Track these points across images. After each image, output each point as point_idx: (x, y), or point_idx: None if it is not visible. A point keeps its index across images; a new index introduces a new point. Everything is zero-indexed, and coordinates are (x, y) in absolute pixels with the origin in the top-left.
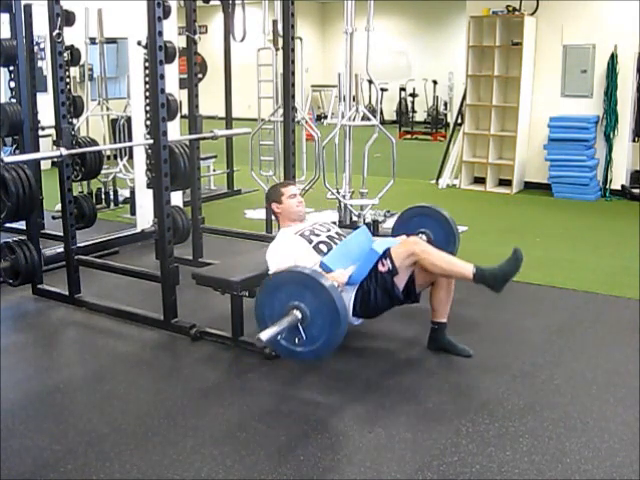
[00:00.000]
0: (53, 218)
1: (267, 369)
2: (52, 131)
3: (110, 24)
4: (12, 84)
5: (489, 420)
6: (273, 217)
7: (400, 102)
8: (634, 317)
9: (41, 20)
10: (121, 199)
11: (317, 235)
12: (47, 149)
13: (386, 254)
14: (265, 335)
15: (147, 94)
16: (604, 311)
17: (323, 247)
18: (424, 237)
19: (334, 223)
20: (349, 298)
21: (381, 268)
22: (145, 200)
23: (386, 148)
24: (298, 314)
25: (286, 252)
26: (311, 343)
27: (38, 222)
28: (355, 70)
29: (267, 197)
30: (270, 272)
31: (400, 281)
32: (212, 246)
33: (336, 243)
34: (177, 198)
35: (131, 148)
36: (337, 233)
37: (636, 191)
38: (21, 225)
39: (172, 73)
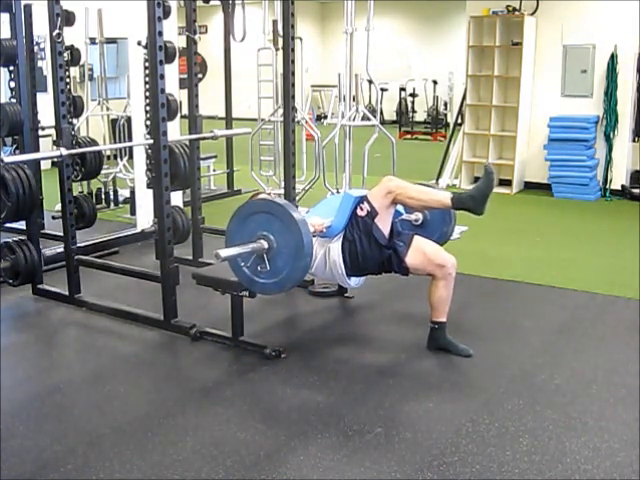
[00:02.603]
0: (53, 218)
1: (267, 369)
2: (52, 131)
3: (110, 24)
4: (12, 84)
5: (489, 420)
6: None
7: (400, 102)
8: (634, 317)
9: (41, 20)
10: (121, 199)
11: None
12: (47, 149)
13: (363, 198)
14: (224, 252)
15: (147, 94)
16: (604, 311)
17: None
18: (420, 215)
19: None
20: (337, 254)
21: (360, 212)
22: (145, 200)
23: (386, 148)
24: (265, 244)
25: None
26: (273, 275)
27: (38, 222)
28: (355, 70)
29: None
30: None
31: (382, 223)
32: (212, 246)
33: None
34: (177, 198)
35: (131, 148)
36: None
37: (636, 191)
38: (21, 225)
39: (172, 73)
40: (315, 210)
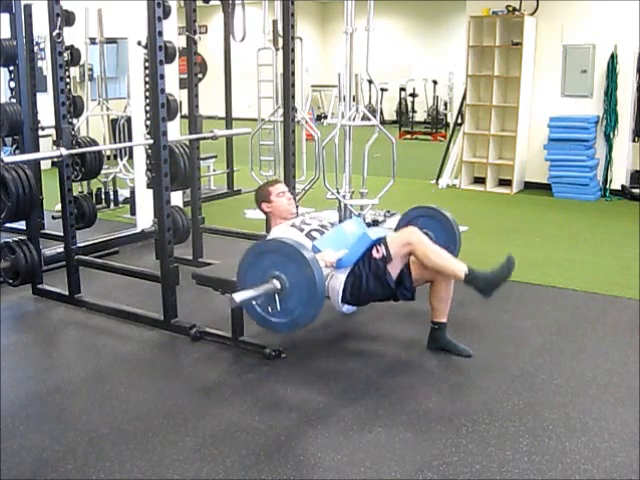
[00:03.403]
0: (53, 218)
1: (267, 369)
2: (52, 131)
3: (110, 24)
4: (12, 84)
5: (489, 420)
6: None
7: (400, 102)
8: (634, 317)
9: (41, 20)
10: (121, 199)
11: (308, 224)
12: (47, 149)
13: (381, 240)
14: (239, 296)
15: (147, 94)
16: (604, 311)
17: (315, 234)
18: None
19: (334, 224)
20: (339, 283)
21: (375, 254)
22: (145, 200)
23: (386, 148)
24: (277, 284)
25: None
26: (285, 315)
27: (38, 222)
28: (355, 70)
29: (256, 198)
30: None
31: (393, 269)
32: (212, 246)
33: (329, 230)
34: (177, 198)
35: (131, 148)
36: (330, 223)
37: (636, 191)
38: (21, 225)
39: (172, 73)
40: (327, 239)
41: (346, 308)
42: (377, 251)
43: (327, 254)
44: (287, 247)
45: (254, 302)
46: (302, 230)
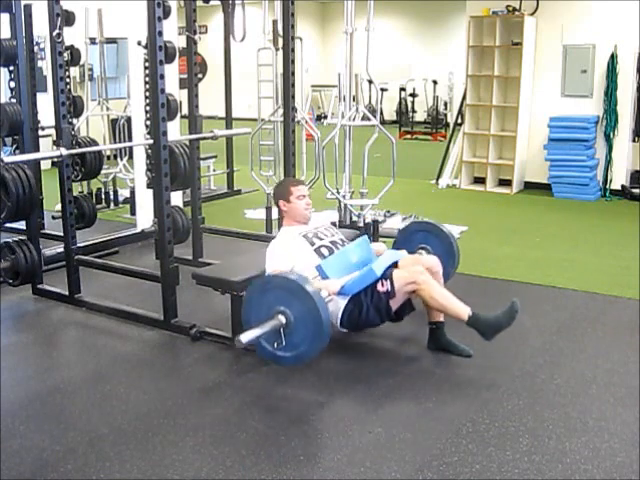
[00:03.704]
0: (53, 218)
1: (267, 369)
2: (52, 131)
3: (110, 24)
4: (12, 84)
5: (489, 420)
6: (278, 216)
7: (400, 102)
8: (634, 317)
9: (41, 20)
10: (121, 199)
11: (320, 239)
12: (47, 149)
13: (387, 275)
14: (245, 337)
15: (147, 94)
16: (604, 311)
17: (324, 251)
18: (424, 253)
19: (334, 224)
20: (339, 308)
21: (380, 288)
22: (145, 200)
23: (386, 148)
24: (282, 319)
25: (287, 252)
26: (291, 349)
27: (38, 222)
28: (355, 70)
29: (275, 193)
30: (267, 270)
31: (395, 303)
32: (212, 246)
33: (338, 249)
34: (177, 198)
35: (131, 148)
36: (341, 239)
37: (636, 191)
38: (21, 225)
39: (172, 73)
40: (333, 262)
41: (341, 330)
42: (382, 285)
43: (331, 284)
44: (291, 283)
45: (260, 338)
46: (313, 244)
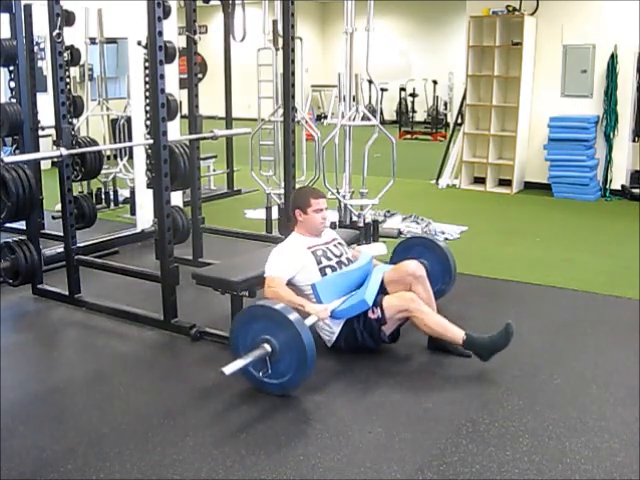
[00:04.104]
0: (53, 218)
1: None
2: (52, 131)
3: (110, 24)
4: (12, 84)
5: (489, 420)
6: (278, 216)
7: (400, 102)
8: (634, 317)
9: (41, 20)
10: (121, 199)
11: (328, 259)
12: (47, 149)
13: (377, 303)
14: (229, 369)
15: (147, 94)
16: (604, 311)
17: (329, 271)
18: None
19: (334, 225)
20: (333, 332)
21: (371, 315)
22: (145, 200)
23: (386, 148)
24: (268, 348)
25: (289, 263)
26: (277, 377)
27: (38, 222)
28: (355, 70)
29: (294, 200)
30: (266, 271)
31: (387, 329)
32: (212, 246)
33: (342, 269)
34: (177, 198)
35: (131, 148)
36: (347, 259)
37: (636, 191)
38: (21, 225)
39: (172, 73)
40: (328, 283)
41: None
42: (373, 312)
43: (320, 310)
44: (276, 313)
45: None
46: (319, 263)
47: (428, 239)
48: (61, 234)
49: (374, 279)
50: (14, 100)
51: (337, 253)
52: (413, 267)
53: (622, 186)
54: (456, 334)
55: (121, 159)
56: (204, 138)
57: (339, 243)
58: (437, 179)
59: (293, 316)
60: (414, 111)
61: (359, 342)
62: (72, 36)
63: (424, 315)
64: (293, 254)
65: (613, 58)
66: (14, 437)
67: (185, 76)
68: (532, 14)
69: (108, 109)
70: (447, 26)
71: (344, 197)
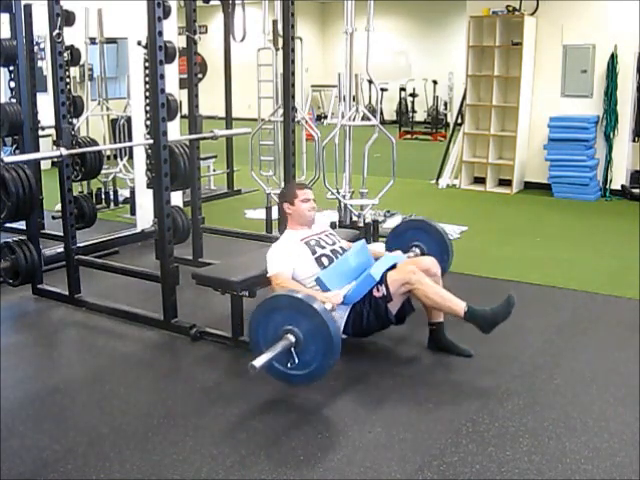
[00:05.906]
0: (53, 218)
1: None
2: (52, 131)
3: (110, 24)
4: (12, 84)
5: (489, 420)
6: (277, 216)
7: (400, 102)
8: (634, 317)
9: (41, 20)
10: (121, 199)
11: (322, 247)
12: (47, 149)
13: (382, 280)
14: (259, 362)
15: (147, 94)
16: (604, 311)
17: (325, 260)
18: (417, 251)
19: (333, 225)
20: (341, 317)
21: (376, 293)
22: (145, 200)
23: (386, 148)
24: (292, 338)
25: (287, 257)
26: (304, 367)
27: (38, 222)
28: (355, 70)
29: (280, 195)
30: (269, 272)
31: (393, 306)
32: (212, 246)
33: (338, 258)
34: (177, 198)
35: (131, 148)
36: (341, 248)
37: (636, 191)
38: (21, 225)
39: (172, 73)
40: (332, 272)
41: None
42: (378, 290)
43: (333, 295)
44: (299, 302)
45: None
46: (314, 252)
47: (420, 220)
48: (61, 234)
49: (384, 260)
50: (14, 100)
51: (330, 242)
52: (429, 263)
53: (622, 186)
54: (458, 305)
55: (121, 159)
56: (204, 138)
57: (330, 234)
58: (437, 179)
59: (317, 304)
60: (414, 111)
61: (365, 325)
62: (72, 36)
63: (424, 286)
64: (288, 249)
65: (613, 58)
66: (14, 437)
67: (185, 76)
68: (532, 14)
69: (108, 109)
70: (447, 26)
71: (344, 197)
